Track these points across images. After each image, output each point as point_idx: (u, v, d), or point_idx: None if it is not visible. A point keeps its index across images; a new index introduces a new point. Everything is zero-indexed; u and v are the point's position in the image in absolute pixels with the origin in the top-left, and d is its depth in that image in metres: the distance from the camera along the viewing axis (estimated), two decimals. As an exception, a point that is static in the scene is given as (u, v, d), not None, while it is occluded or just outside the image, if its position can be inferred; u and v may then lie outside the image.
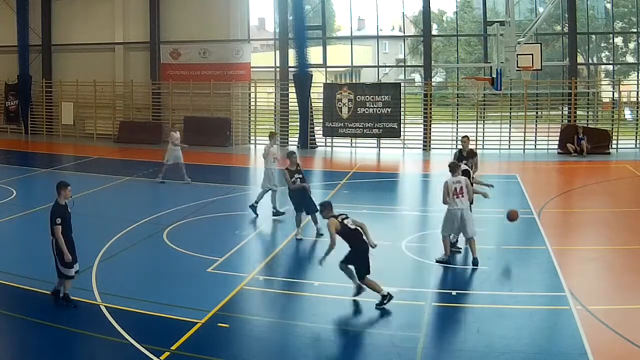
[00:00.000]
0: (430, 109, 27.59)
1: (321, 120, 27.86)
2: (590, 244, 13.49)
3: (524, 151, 25.97)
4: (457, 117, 28.24)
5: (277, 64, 28.95)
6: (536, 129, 26.94)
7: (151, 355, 8.03)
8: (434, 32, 32.09)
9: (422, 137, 27.45)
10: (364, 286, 9.76)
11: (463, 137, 14.42)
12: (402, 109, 27.14)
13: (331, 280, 10.50)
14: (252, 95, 29.59)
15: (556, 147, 25.60)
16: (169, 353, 8.11)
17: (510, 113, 27.52)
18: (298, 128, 27.93)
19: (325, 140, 28.13)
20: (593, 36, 29.21)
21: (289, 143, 28.63)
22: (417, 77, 36.09)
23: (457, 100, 29.56)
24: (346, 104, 27.29)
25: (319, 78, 28.55)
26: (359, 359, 8.29)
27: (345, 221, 9.87)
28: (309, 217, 13.76)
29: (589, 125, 26.07)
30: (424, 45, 28.11)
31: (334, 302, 10.06)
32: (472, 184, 12.26)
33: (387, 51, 37.63)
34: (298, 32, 27.62)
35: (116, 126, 30.61)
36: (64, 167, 24.19)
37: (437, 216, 12.10)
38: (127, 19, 30.42)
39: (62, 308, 9.53)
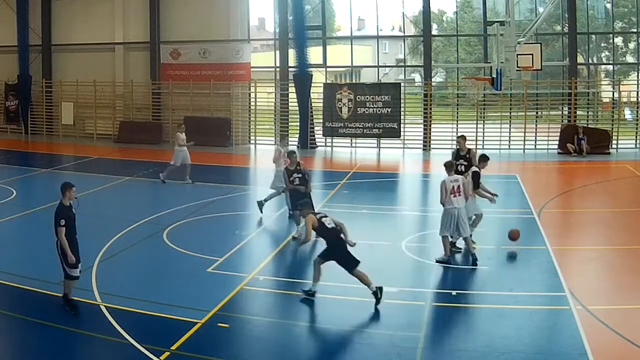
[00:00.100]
0: (430, 109, 27.59)
1: (321, 120, 27.86)
2: (590, 244, 13.49)
3: (524, 151, 25.97)
4: (457, 117, 28.24)
5: (277, 64, 28.96)
6: (536, 129, 26.95)
7: (151, 355, 8.03)
8: (434, 32, 32.09)
9: (422, 137, 27.45)
10: (356, 277, 9.84)
11: (459, 137, 14.41)
12: (402, 109, 27.14)
13: (331, 280, 10.49)
14: (252, 95, 29.59)
15: (556, 147, 25.60)
16: (169, 353, 8.11)
17: (510, 113, 27.52)
18: (298, 128, 27.93)
19: (325, 140, 28.14)
20: (593, 36, 29.22)
21: (289, 143, 28.61)
22: (417, 77, 36.10)
23: (457, 100, 29.56)
24: (346, 104, 27.29)
25: (319, 78, 28.55)
26: (359, 359, 8.29)
27: (324, 219, 10.07)
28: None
29: (589, 125, 26.07)
30: (424, 45, 28.12)
31: (334, 302, 10.07)
32: (478, 187, 12.28)
33: (387, 51, 37.64)
34: (298, 32, 27.62)
35: (116, 126, 30.61)
36: (64, 167, 24.19)
37: (437, 216, 12.09)
38: (127, 19, 30.43)
39: (62, 308, 9.52)
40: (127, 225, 14.16)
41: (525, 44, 19.36)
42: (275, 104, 29.58)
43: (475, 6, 36.14)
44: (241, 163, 26.20)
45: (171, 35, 29.84)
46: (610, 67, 30.56)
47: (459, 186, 11.72)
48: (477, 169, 12.50)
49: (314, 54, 28.55)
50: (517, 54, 18.82)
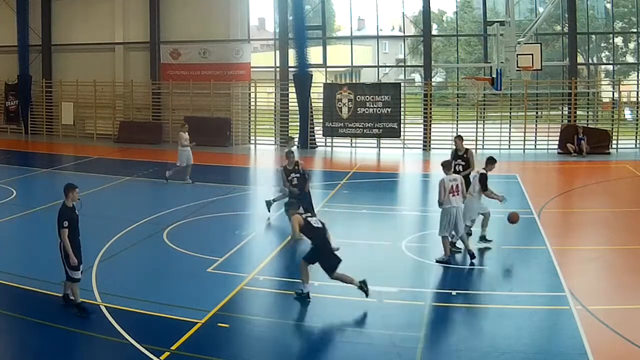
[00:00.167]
0: (430, 109, 27.59)
1: (321, 120, 27.86)
2: (590, 244, 13.49)
3: (524, 151, 25.97)
4: (457, 117, 28.25)
5: (277, 64, 28.96)
6: (536, 129, 26.95)
7: (151, 355, 8.03)
8: (434, 32, 32.10)
9: (422, 137, 27.45)
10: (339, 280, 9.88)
11: (456, 137, 14.40)
12: (402, 109, 27.14)
13: (331, 280, 10.49)
14: (252, 95, 29.59)
15: (556, 147, 25.60)
16: (169, 353, 8.11)
17: (510, 113, 27.52)
18: (298, 128, 27.93)
19: (325, 140, 28.14)
20: (593, 36, 29.22)
21: (296, 144, 28.63)
22: (417, 77, 36.10)
23: (457, 100, 29.56)
24: (346, 104, 27.30)
25: (319, 78, 28.55)
26: (359, 359, 8.28)
27: (310, 219, 10.11)
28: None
29: (589, 125, 26.08)
30: (424, 45, 28.12)
31: (334, 302, 10.06)
32: (486, 189, 12.31)
33: (387, 51, 37.64)
34: (298, 32, 27.62)
35: (116, 126, 30.61)
36: (64, 167, 24.20)
37: (437, 216, 12.09)
38: (127, 19, 30.43)
39: (62, 308, 9.53)
40: (127, 225, 14.16)
41: (525, 44, 19.37)
42: (275, 104, 29.59)
43: (475, 6, 36.14)
44: (241, 163, 26.20)
45: (171, 35, 29.84)
46: (610, 67, 30.57)
47: (457, 185, 11.76)
48: (484, 172, 12.49)
49: (314, 54, 28.55)
50: (517, 54, 18.82)
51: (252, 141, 29.60)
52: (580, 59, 27.95)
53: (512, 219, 12.61)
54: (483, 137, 26.62)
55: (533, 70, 19.73)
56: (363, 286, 9.80)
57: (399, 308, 9.83)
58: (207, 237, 13.83)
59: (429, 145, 27.07)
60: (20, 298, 10.06)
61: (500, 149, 26.28)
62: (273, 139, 29.68)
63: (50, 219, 14.91)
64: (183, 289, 10.49)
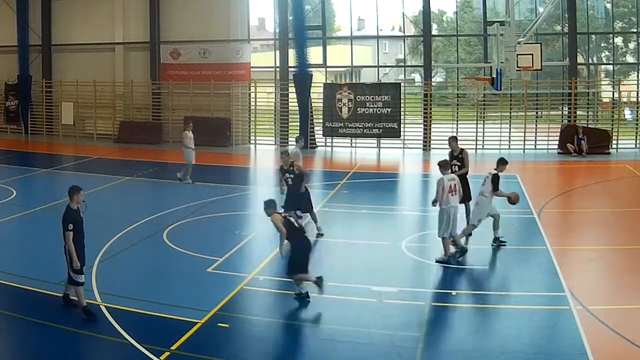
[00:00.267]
0: (430, 109, 27.59)
1: (321, 120, 27.87)
2: (590, 244, 13.49)
3: (524, 151, 25.97)
4: (457, 117, 28.25)
5: (277, 64, 28.96)
6: (536, 129, 26.95)
7: (151, 355, 8.03)
8: (434, 32, 32.11)
9: (422, 137, 27.45)
10: (296, 281, 9.93)
11: (450, 138, 14.38)
12: (402, 109, 27.15)
13: (331, 280, 10.49)
14: (252, 95, 29.60)
15: (556, 147, 25.61)
16: (169, 353, 8.11)
17: (510, 113, 27.53)
18: (298, 128, 27.92)
19: (325, 140, 28.14)
20: (593, 36, 29.23)
21: (289, 143, 28.64)
22: (417, 77, 36.11)
23: (457, 100, 29.56)
24: (346, 104, 27.30)
25: (319, 78, 28.56)
26: (359, 359, 8.29)
27: (290, 219, 10.14)
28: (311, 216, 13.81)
29: (589, 125, 26.08)
30: (424, 45, 28.12)
31: (334, 302, 10.06)
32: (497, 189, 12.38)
33: (387, 51, 37.64)
34: (298, 32, 27.62)
35: (116, 126, 30.61)
36: (64, 167, 24.20)
37: (437, 216, 12.08)
38: (127, 19, 30.43)
39: (62, 308, 9.53)
40: (127, 225, 14.16)
41: (525, 44, 19.36)
42: (275, 104, 29.59)
43: (475, 6, 36.16)
44: (241, 163, 26.21)
45: (171, 35, 29.85)
46: (610, 67, 30.57)
47: (455, 185, 11.82)
48: (496, 172, 12.51)
49: (314, 54, 28.55)
50: (517, 54, 18.81)
51: (252, 141, 29.60)
52: (580, 59, 27.96)
53: (513, 200, 12.67)
54: (483, 137, 26.63)
55: (533, 70, 19.72)
56: (321, 281, 9.84)
57: (399, 308, 9.83)
58: (207, 237, 13.83)
59: (429, 145, 27.07)
60: (20, 298, 10.06)
61: (500, 149, 26.28)
62: (273, 139, 29.68)
63: (50, 219, 14.95)
64: (183, 289, 10.49)
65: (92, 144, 29.66)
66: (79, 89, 30.92)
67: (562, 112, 27.56)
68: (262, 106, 30.27)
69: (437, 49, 34.69)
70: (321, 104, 27.89)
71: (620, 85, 27.33)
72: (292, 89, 28.33)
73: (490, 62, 24.29)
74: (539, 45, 20.32)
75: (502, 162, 12.75)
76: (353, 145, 28.00)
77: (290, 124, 28.82)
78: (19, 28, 30.97)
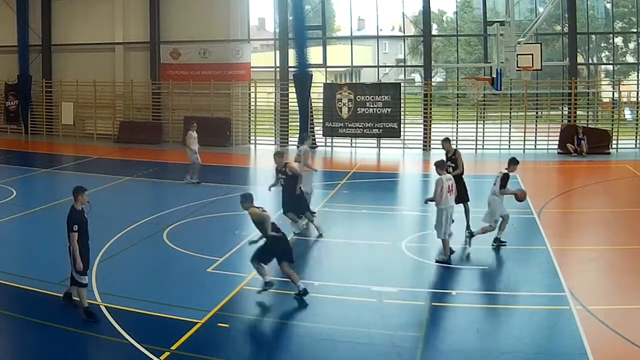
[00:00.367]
0: (430, 109, 27.59)
1: (321, 120, 27.87)
2: (590, 244, 13.49)
3: (524, 151, 25.96)
4: (457, 117, 28.24)
5: (277, 64, 28.96)
6: (536, 129, 26.96)
7: (151, 355, 8.03)
8: (434, 32, 32.11)
9: (422, 137, 27.45)
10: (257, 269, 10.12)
11: (443, 139, 14.37)
12: (402, 109, 27.15)
13: (331, 280, 10.50)
14: (252, 95, 29.60)
15: (556, 147, 25.61)
16: (169, 353, 8.11)
17: (510, 113, 27.53)
18: (298, 128, 27.92)
19: (325, 140, 28.13)
20: (593, 36, 29.22)
21: (289, 143, 28.65)
22: (417, 77, 36.11)
23: (457, 100, 29.55)
24: (346, 104, 27.30)
25: (319, 78, 28.55)
26: (359, 359, 8.28)
27: (266, 212, 10.20)
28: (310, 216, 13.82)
29: (589, 125, 26.08)
30: (424, 45, 28.12)
31: (334, 302, 10.07)
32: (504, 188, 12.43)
33: (387, 51, 37.64)
34: (298, 32, 27.61)
35: (116, 126, 30.61)
36: (64, 167, 24.20)
37: (436, 217, 12.09)
38: (127, 19, 30.43)
39: (62, 308, 9.52)
40: (127, 225, 14.16)
41: (525, 44, 19.35)
42: (275, 104, 29.59)
43: (475, 6, 36.16)
44: (241, 163, 26.21)
45: (171, 35, 29.85)
46: (610, 67, 30.57)
47: (452, 184, 11.90)
48: (506, 172, 12.53)
49: (314, 54, 28.54)
50: (517, 54, 18.80)
51: (252, 141, 29.60)
52: (580, 59, 27.96)
53: (520, 197, 12.67)
54: (483, 137, 26.63)
55: (533, 70, 19.71)
56: (269, 285, 10.05)
57: (399, 308, 9.82)
58: (207, 237, 13.83)
59: (429, 145, 27.07)
60: (20, 298, 10.06)
61: (500, 149, 26.30)
62: (273, 139, 29.69)
63: (50, 219, 14.98)
64: (183, 289, 10.49)
65: (92, 144, 29.66)
66: (79, 89, 30.92)
67: (562, 112, 27.56)
68: (262, 106, 30.27)
69: (437, 49, 34.69)
70: (321, 104, 27.89)
71: (620, 85, 27.33)
72: (292, 89, 28.33)
73: (490, 62, 24.28)
74: (539, 45, 20.32)
75: (513, 162, 12.78)
76: (353, 145, 28.00)
77: (290, 124, 28.82)
78: (19, 28, 30.97)
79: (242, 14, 29.53)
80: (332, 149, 28.03)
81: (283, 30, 28.64)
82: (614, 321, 8.85)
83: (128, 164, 23.96)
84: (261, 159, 26.91)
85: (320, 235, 13.55)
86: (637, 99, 27.15)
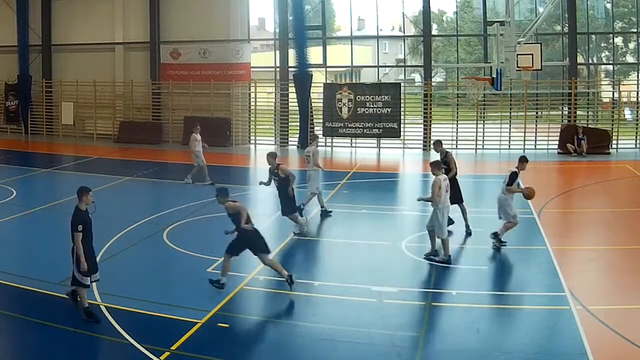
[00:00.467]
0: (430, 109, 27.59)
1: (321, 120, 27.87)
2: (590, 244, 13.49)
3: (524, 151, 25.90)
4: (457, 117, 28.24)
5: (277, 64, 28.96)
6: (536, 129, 26.96)
7: (151, 355, 8.03)
8: (434, 32, 32.10)
9: (422, 137, 27.45)
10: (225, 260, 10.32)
11: (434, 142, 14.37)
12: (402, 109, 27.15)
13: (331, 280, 10.50)
14: (252, 95, 29.60)
15: (556, 147, 25.61)
16: (169, 353, 8.11)
17: (510, 113, 27.53)
18: (298, 128, 27.93)
19: (325, 140, 28.12)
20: (593, 36, 29.22)
21: (289, 143, 28.67)
22: (417, 77, 36.11)
23: (457, 100, 29.54)
24: (346, 104, 27.30)
25: (319, 78, 28.55)
26: (359, 359, 8.28)
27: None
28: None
29: (589, 125, 26.08)
30: (424, 45, 28.12)
31: (334, 302, 10.07)
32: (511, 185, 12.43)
33: (387, 51, 37.64)
34: (298, 32, 27.62)
35: (116, 126, 30.62)
36: (64, 167, 24.20)
37: (435, 218, 12.08)
38: (127, 19, 30.43)
39: (62, 308, 9.52)
40: (127, 225, 14.16)
41: (525, 44, 19.35)
42: (275, 104, 29.59)
43: (475, 6, 36.15)
44: (241, 163, 26.21)
45: (171, 35, 29.85)
46: (610, 67, 30.57)
47: (448, 184, 11.93)
48: (515, 170, 12.53)
49: (314, 54, 28.55)
50: (517, 54, 18.80)
51: (252, 141, 29.60)
52: (580, 59, 27.95)
53: (527, 195, 12.65)
54: (483, 137, 26.63)
55: (533, 70, 19.72)
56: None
57: (399, 308, 9.82)
58: (207, 237, 13.80)
59: (429, 146, 27.02)
60: (20, 298, 10.06)
61: (500, 149, 26.31)
62: (273, 139, 29.69)
63: (50, 219, 14.99)
64: (183, 289, 10.49)
65: (92, 144, 29.66)
66: (79, 89, 30.92)
67: (562, 112, 27.56)
68: (262, 106, 30.27)
69: (437, 49, 34.69)
70: (321, 104, 27.89)
71: (620, 85, 27.33)
72: (292, 89, 28.33)
73: (490, 62, 24.28)
74: (539, 45, 20.32)
75: (522, 160, 12.74)
76: (353, 145, 28.00)
77: (290, 124, 28.81)
78: (19, 28, 30.98)
79: (242, 14, 29.53)
80: (332, 149, 28.03)
81: (283, 30, 28.64)
82: (614, 321, 8.85)
83: (128, 164, 23.95)
84: (261, 159, 26.64)
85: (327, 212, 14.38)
86: (637, 99, 27.15)
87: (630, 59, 30.64)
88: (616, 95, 27.72)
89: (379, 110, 26.96)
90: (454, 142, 26.93)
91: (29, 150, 28.58)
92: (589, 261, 12.06)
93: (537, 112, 27.81)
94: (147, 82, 30.27)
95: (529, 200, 13.38)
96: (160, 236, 13.54)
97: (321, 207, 15.33)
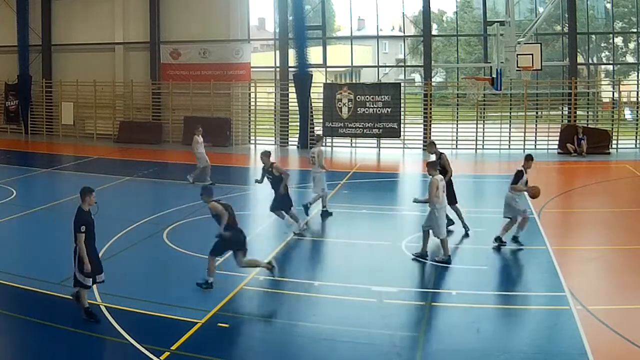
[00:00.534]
0: (430, 109, 27.59)
1: (321, 120, 27.86)
2: (590, 244, 13.49)
3: (524, 151, 25.85)
4: (457, 117, 28.24)
5: (277, 64, 28.96)
6: (536, 129, 26.96)
7: (151, 355, 8.03)
8: (434, 32, 32.10)
9: (422, 137, 27.44)
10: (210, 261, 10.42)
11: (428, 143, 14.39)
12: (402, 109, 27.15)
13: (331, 280, 10.50)
14: (252, 95, 29.60)
15: (556, 147, 25.61)
16: (169, 353, 8.11)
17: (510, 113, 27.53)
18: (298, 128, 27.93)
19: (325, 140, 28.10)
20: (593, 36, 29.22)
21: (289, 143, 28.67)
22: (417, 77, 36.11)
23: (457, 100, 29.55)
24: (346, 104, 27.30)
25: (319, 78, 28.55)
26: (359, 359, 8.28)
27: (224, 204, 10.49)
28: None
29: (589, 125, 26.08)
30: (424, 45, 28.12)
31: (334, 302, 10.07)
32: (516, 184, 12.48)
33: (387, 51, 37.64)
34: (298, 32, 27.63)
35: (116, 126, 30.62)
36: (64, 167, 24.20)
37: (434, 219, 12.08)
38: (127, 19, 30.43)
39: (62, 308, 9.52)
40: (127, 225, 14.16)
41: (525, 44, 19.35)
42: (275, 104, 29.59)
43: (475, 6, 36.15)
44: (241, 163, 26.20)
45: (171, 35, 29.85)
46: (610, 67, 30.57)
47: (444, 185, 11.94)
48: (521, 169, 12.54)
49: (314, 54, 28.55)
50: (517, 54, 18.80)
51: (252, 141, 29.60)
52: (580, 59, 27.96)
53: (532, 194, 12.70)
54: (483, 137, 26.63)
55: (533, 70, 19.71)
56: (208, 285, 10.24)
57: (399, 308, 9.83)
58: (207, 237, 13.73)
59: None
60: (20, 298, 10.06)
61: (500, 149, 26.31)
62: (273, 139, 29.69)
63: (50, 219, 15.00)
64: (183, 289, 10.48)
65: (92, 144, 29.66)
66: (79, 89, 30.93)
67: (562, 112, 27.57)
68: (262, 106, 30.27)
69: (437, 49, 34.69)
70: (321, 104, 27.89)
71: (620, 85, 27.33)
72: (292, 89, 28.34)
73: (490, 62, 24.28)
74: (539, 45, 20.31)
75: (527, 159, 12.83)
76: (353, 145, 28.00)
77: (290, 124, 28.81)
78: (19, 28, 30.99)
79: (242, 14, 29.53)
80: (332, 149, 28.02)
81: (283, 30, 28.64)
82: (614, 321, 8.85)
83: (128, 164, 23.95)
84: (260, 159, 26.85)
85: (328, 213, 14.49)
86: (637, 99, 27.15)
87: (630, 59, 30.64)
88: (616, 95, 27.73)
89: (379, 110, 26.96)
90: (454, 142, 26.93)
91: (29, 150, 28.59)
92: (589, 261, 12.06)
93: (537, 112, 27.82)
94: (147, 82, 30.27)
95: (531, 200, 13.37)
96: (160, 236, 13.54)
97: (322, 207, 15.34)
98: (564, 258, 11.94)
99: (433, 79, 30.48)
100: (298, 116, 27.84)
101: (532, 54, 19.06)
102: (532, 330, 8.99)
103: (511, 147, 26.35)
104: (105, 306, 9.55)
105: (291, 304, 10.06)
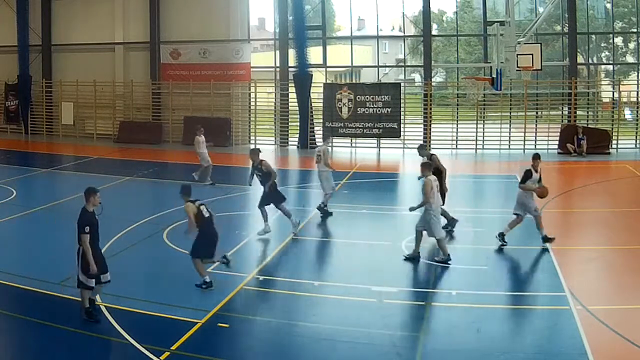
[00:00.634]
0: (430, 109, 27.59)
1: (321, 120, 27.86)
2: (590, 244, 13.49)
3: (524, 151, 25.94)
4: (457, 117, 28.25)
5: (277, 64, 28.97)
6: (536, 129, 26.96)
7: (151, 355, 8.03)
8: (434, 32, 32.12)
9: (422, 137, 27.42)
10: (196, 262, 10.41)
11: (419, 147, 14.43)
12: (402, 109, 27.15)
13: (331, 280, 10.49)
14: (252, 95, 29.60)
15: (556, 147, 25.61)
16: (169, 353, 8.11)
17: (510, 113, 27.54)
18: (298, 128, 27.93)
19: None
20: (593, 36, 29.23)
21: (289, 143, 28.67)
22: (417, 77, 36.11)
23: (457, 100, 29.55)
24: (346, 104, 27.30)
25: (319, 78, 28.56)
26: (359, 359, 8.28)
27: (201, 207, 10.51)
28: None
29: (589, 125, 26.08)
30: (424, 45, 28.12)
31: (334, 302, 10.07)
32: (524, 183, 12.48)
33: (387, 51, 37.65)
34: (298, 32, 27.63)
35: (116, 126, 30.62)
36: (64, 167, 24.20)
37: (430, 219, 12.08)
38: (127, 19, 30.44)
39: (62, 308, 9.52)
40: (127, 225, 14.15)
41: (525, 44, 19.35)
42: (275, 104, 29.59)
43: (475, 6, 36.16)
44: (241, 163, 26.12)
45: (171, 35, 29.85)
46: (610, 67, 30.57)
47: (437, 184, 11.98)
48: (529, 168, 12.55)
49: (314, 54, 28.56)
50: (517, 54, 18.80)
51: (252, 141, 29.59)
52: (580, 59, 27.96)
53: (540, 194, 12.69)
54: (483, 137, 26.63)
55: (533, 70, 19.72)
56: (208, 285, 10.30)
57: (399, 308, 9.83)
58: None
59: (429, 146, 27.02)
60: (20, 298, 10.06)
61: (500, 149, 26.30)
62: (273, 139, 29.69)
63: (50, 219, 14.99)
64: (183, 289, 10.47)
65: (92, 144, 29.67)
66: (79, 89, 30.93)
67: (562, 112, 27.57)
68: (262, 106, 30.27)
69: (437, 49, 34.70)
70: (321, 104, 27.89)
71: (620, 85, 27.33)
72: (292, 89, 28.34)
73: (490, 62, 24.28)
74: (539, 45, 20.32)
75: (534, 157, 12.77)
76: (353, 145, 28.00)
77: (290, 124, 28.81)
78: (19, 28, 31.00)
79: (242, 14, 29.54)
80: (332, 149, 27.97)
81: (283, 30, 28.64)
82: (614, 321, 8.85)
83: (128, 164, 23.96)
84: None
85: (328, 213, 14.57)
86: (637, 99, 27.15)
87: (630, 59, 30.64)
88: (616, 95, 27.73)
89: (379, 110, 26.96)
90: (454, 142, 26.94)
91: (29, 150, 28.59)
92: (589, 261, 12.06)
93: (537, 112, 27.82)
94: (147, 82, 30.27)
95: (547, 195, 13.37)
96: (160, 236, 13.54)
97: (324, 205, 15.37)
98: (564, 258, 11.94)
99: (433, 79, 30.49)
100: (298, 116, 27.84)
101: (532, 54, 19.07)
102: (532, 330, 8.99)
103: (511, 147, 26.36)
104: (105, 306, 9.54)
105: (291, 304, 10.06)
